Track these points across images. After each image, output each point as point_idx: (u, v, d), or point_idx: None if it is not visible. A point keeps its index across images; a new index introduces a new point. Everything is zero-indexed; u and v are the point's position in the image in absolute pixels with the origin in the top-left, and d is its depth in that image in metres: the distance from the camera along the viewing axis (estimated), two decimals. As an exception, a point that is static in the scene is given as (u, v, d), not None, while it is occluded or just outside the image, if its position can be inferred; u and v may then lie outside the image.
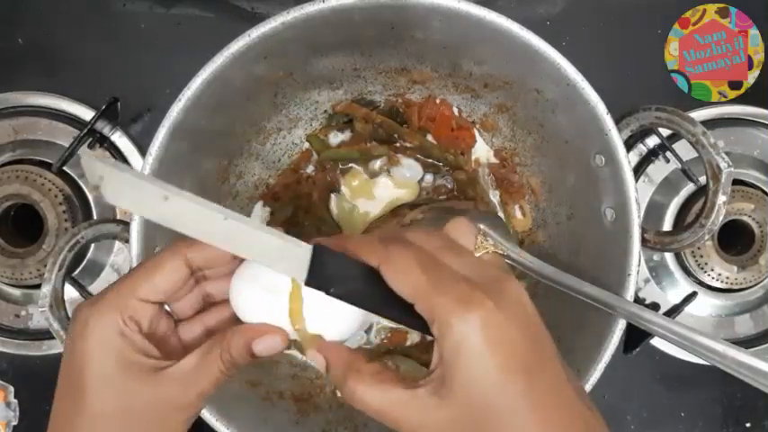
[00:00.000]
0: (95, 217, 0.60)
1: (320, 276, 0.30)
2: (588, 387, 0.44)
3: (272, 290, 0.32)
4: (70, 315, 0.46)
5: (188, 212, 0.29)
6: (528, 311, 0.29)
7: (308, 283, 0.31)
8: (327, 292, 0.30)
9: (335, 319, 0.33)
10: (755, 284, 0.60)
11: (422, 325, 0.29)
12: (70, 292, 0.56)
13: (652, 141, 0.61)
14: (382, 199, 0.57)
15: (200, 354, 0.32)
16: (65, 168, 0.59)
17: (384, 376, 0.30)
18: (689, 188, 0.60)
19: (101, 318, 0.31)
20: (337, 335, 0.33)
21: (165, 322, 0.34)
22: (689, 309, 0.59)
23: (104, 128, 0.60)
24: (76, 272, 0.59)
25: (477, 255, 0.34)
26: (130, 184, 0.29)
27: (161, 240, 0.45)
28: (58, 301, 0.46)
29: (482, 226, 0.36)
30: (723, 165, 0.43)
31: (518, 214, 0.57)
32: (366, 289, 0.31)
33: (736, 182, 0.58)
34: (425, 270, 0.29)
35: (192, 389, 0.31)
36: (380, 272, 0.30)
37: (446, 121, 0.57)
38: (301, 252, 0.31)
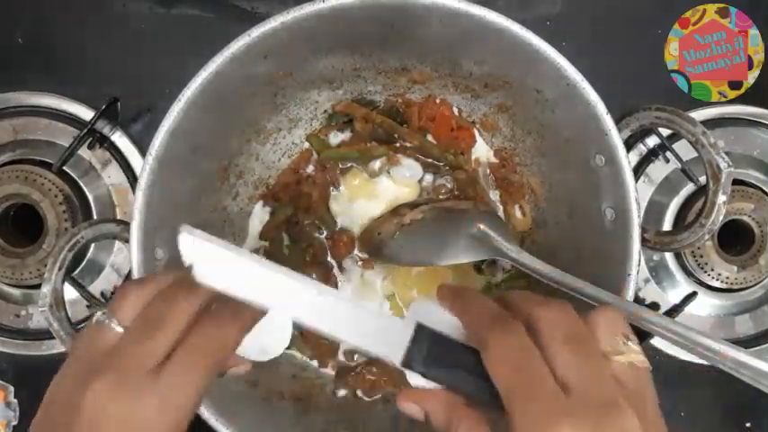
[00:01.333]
0: (95, 217, 0.60)
1: (417, 359, 0.30)
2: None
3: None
4: (71, 317, 0.46)
5: (282, 290, 0.30)
6: None
7: (404, 365, 0.30)
8: (423, 375, 0.30)
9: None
10: (755, 284, 0.60)
11: None
12: (70, 292, 0.56)
13: (652, 141, 0.61)
14: (382, 199, 0.57)
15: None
16: (65, 168, 0.59)
17: (482, 427, 0.29)
18: (689, 188, 0.60)
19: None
20: (432, 384, 0.31)
21: None
22: (689, 309, 0.59)
23: (104, 128, 0.60)
24: (76, 272, 0.59)
25: (616, 358, 0.28)
26: (225, 260, 0.29)
27: (161, 240, 0.45)
28: (58, 301, 0.46)
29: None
30: (723, 165, 0.43)
31: (518, 214, 0.57)
32: (464, 375, 0.30)
33: (736, 182, 0.58)
34: (519, 369, 0.27)
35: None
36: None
37: (446, 121, 0.57)
38: (401, 332, 0.30)
